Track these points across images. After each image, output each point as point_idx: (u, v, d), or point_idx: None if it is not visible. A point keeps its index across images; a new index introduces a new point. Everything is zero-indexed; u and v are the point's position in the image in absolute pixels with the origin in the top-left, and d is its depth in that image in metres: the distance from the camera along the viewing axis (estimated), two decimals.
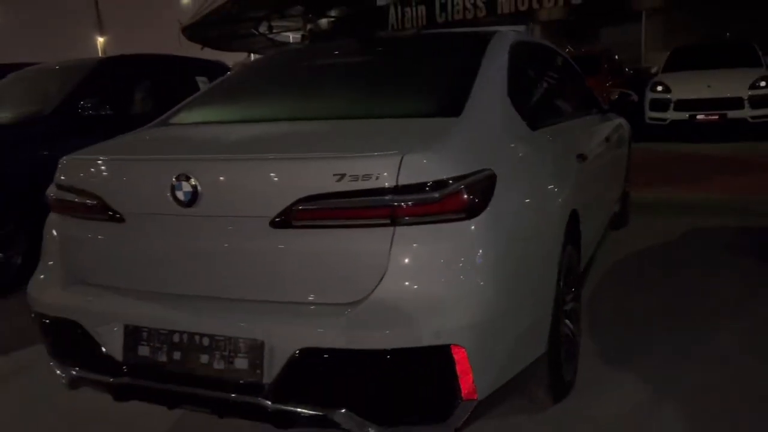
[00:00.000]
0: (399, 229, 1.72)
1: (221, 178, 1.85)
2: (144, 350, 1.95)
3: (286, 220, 1.77)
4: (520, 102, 2.41)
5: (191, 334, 1.89)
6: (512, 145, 2.17)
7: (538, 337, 2.09)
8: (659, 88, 10.03)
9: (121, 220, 1.99)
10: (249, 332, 1.81)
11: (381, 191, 1.69)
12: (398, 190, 1.69)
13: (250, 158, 1.90)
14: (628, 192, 5.02)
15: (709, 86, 9.65)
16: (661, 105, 9.90)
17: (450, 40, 3.09)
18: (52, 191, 2.17)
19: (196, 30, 25.41)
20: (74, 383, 2.12)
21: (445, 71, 2.54)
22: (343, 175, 1.70)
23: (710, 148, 8.73)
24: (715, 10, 14.62)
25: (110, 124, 4.27)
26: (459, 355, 1.70)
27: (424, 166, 1.73)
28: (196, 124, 2.59)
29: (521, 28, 15.87)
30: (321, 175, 1.73)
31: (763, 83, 9.48)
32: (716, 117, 9.56)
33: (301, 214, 1.76)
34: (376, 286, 1.72)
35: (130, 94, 5.34)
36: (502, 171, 1.91)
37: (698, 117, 9.65)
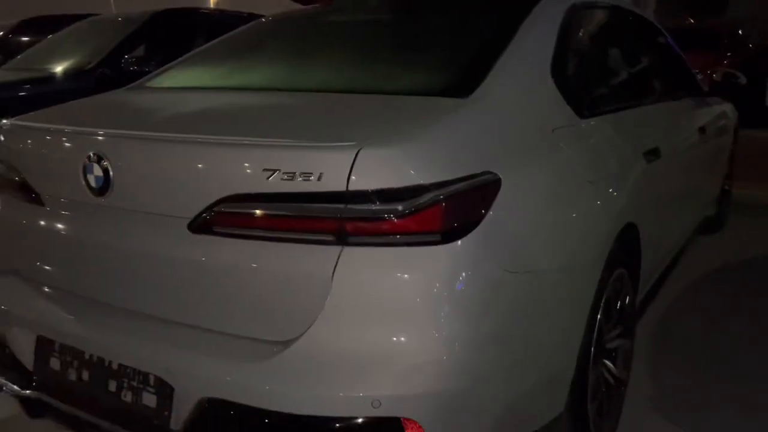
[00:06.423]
0: (347, 251, 1.25)
1: (135, 161, 1.45)
2: (55, 364, 1.61)
3: (205, 224, 1.35)
4: (571, 82, 1.85)
5: (100, 356, 1.52)
6: (541, 138, 1.62)
7: (551, 395, 1.57)
8: None
9: (40, 202, 1.64)
10: (153, 366, 1.41)
11: (324, 196, 1.23)
12: (348, 196, 1.22)
13: (170, 138, 1.46)
14: (729, 191, 4.23)
15: None
16: None
17: None
18: None
19: None
20: None
21: (465, 37, 1.97)
22: (274, 171, 1.25)
23: None
24: None
25: None
26: None
27: (390, 166, 1.24)
28: (167, 89, 2.19)
29: None
30: (247, 169, 1.29)
31: None
32: None
33: (222, 218, 1.32)
34: (310, 326, 1.26)
35: (178, 50, 5.05)
36: (516, 175, 1.39)
37: None
